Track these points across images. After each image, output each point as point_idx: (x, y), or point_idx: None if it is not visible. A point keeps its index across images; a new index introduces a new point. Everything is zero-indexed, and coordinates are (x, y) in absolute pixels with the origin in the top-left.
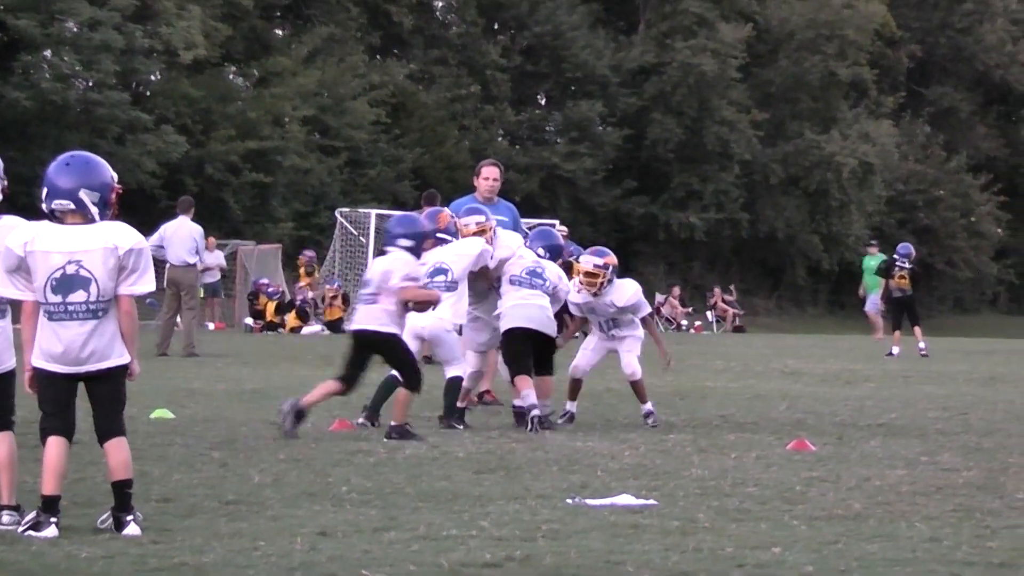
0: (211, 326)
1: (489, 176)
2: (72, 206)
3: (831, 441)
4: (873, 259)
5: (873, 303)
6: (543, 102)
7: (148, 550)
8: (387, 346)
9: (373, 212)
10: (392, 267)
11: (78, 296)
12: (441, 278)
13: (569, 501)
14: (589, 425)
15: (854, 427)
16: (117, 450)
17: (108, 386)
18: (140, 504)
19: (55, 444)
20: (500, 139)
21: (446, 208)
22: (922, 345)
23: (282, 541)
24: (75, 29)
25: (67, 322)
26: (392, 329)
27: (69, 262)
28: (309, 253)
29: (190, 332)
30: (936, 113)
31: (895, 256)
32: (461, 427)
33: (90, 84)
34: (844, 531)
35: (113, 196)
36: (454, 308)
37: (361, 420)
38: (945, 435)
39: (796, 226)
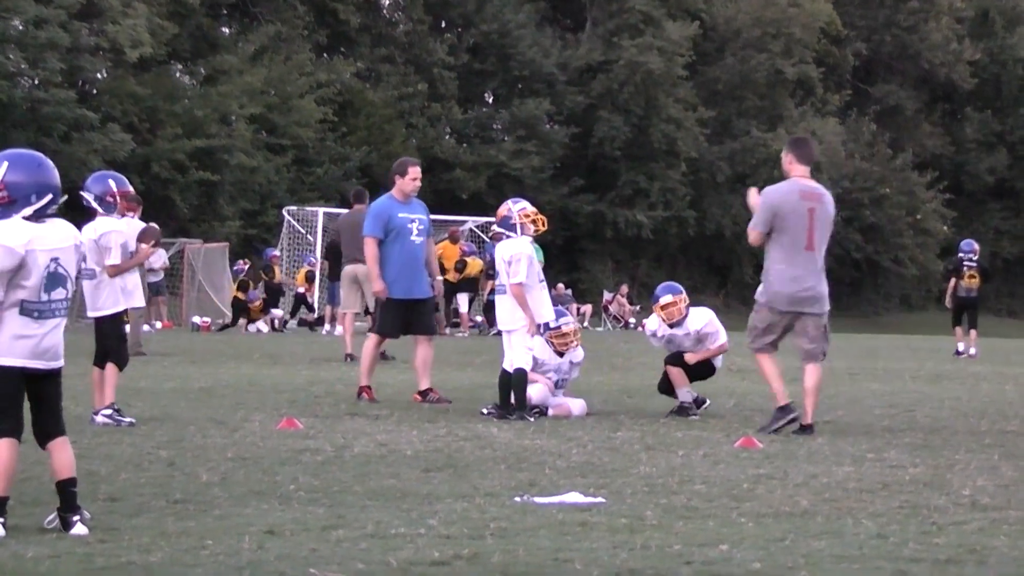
0: (158, 325)
1: (417, 176)
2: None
3: (778, 438)
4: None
5: None
6: (490, 100)
7: (95, 549)
8: None
9: (320, 210)
10: None
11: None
12: None
13: (517, 499)
14: (537, 423)
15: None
16: (62, 450)
17: (57, 385)
18: (87, 503)
19: (9, 446)
20: (447, 137)
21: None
22: (973, 350)
23: (230, 540)
24: (20, 27)
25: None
26: None
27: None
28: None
29: (136, 331)
30: (882, 111)
31: (960, 254)
32: (532, 419)
33: (36, 82)
34: (791, 528)
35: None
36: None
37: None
38: (891, 432)
39: (743, 224)
